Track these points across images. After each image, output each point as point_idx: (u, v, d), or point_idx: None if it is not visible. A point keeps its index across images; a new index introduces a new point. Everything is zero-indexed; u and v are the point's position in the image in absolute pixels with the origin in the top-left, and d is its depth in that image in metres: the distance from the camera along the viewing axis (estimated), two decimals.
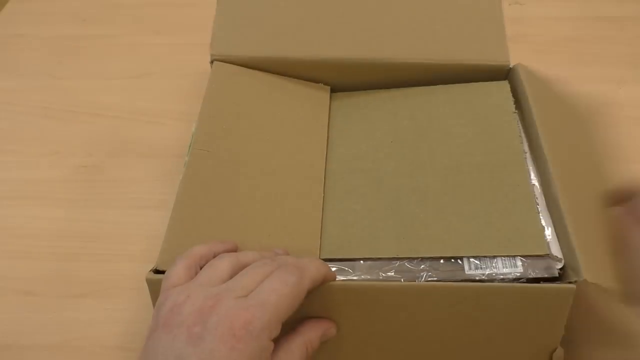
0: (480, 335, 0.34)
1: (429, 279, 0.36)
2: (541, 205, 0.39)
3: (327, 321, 0.34)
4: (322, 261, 0.34)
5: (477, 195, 0.40)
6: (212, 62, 0.48)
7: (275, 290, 0.29)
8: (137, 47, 0.70)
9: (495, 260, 0.36)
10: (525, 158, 0.42)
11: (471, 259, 0.36)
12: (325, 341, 0.33)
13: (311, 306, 0.33)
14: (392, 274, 0.36)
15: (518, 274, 0.35)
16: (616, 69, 0.65)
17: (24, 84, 0.67)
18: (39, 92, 0.65)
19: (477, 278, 0.36)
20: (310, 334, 0.32)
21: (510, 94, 0.46)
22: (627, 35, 0.70)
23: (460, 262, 0.36)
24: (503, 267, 0.36)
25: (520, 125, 0.44)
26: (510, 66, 0.48)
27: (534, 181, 0.40)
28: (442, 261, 0.37)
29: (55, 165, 0.57)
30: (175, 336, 0.27)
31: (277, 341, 0.29)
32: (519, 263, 0.36)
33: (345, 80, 0.50)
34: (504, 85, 0.47)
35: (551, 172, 0.39)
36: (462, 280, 0.35)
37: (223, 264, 0.31)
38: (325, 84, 0.51)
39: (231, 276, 0.31)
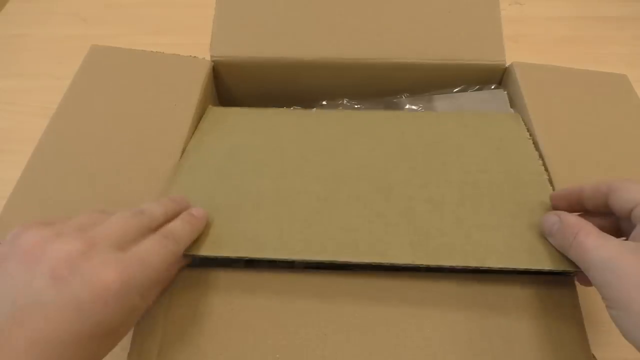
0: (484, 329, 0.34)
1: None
2: None
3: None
4: (194, 216, 0.34)
5: (499, 208, 0.36)
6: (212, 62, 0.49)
7: (155, 252, 0.28)
8: (137, 47, 0.70)
9: None
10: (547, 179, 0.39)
11: None
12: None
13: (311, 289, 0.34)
14: None
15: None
16: (616, 69, 0.65)
17: (24, 84, 0.67)
18: (39, 92, 0.65)
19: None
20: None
21: (523, 124, 0.43)
22: (627, 35, 0.70)
23: None
24: None
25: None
26: (506, 65, 0.48)
27: None
28: None
29: None
30: (34, 274, 0.24)
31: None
32: None
33: (345, 81, 0.50)
34: (516, 116, 0.45)
35: (547, 166, 0.39)
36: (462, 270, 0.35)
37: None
38: (325, 84, 0.51)
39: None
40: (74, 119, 0.43)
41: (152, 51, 0.49)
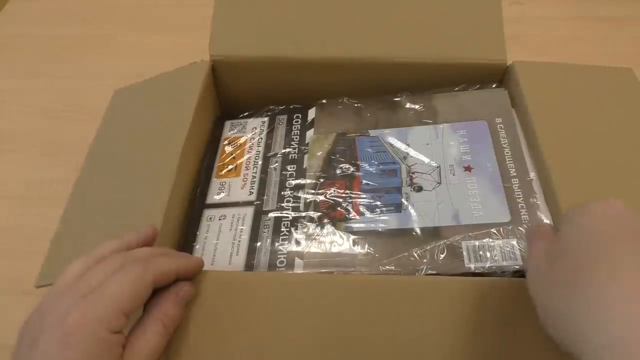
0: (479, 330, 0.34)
1: (429, 272, 0.36)
2: (540, 201, 0.39)
3: (175, 285, 0.32)
4: (180, 255, 0.34)
5: None
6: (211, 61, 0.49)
7: (115, 281, 0.28)
8: (137, 47, 0.70)
9: (494, 251, 0.36)
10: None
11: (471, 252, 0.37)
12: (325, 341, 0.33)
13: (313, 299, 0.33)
14: (392, 267, 0.36)
15: (517, 267, 0.35)
16: None
17: (24, 84, 0.67)
18: (39, 92, 0.65)
19: (476, 271, 0.36)
20: (161, 306, 0.31)
21: None
22: (626, 35, 0.70)
23: (460, 258, 0.37)
24: (502, 260, 0.36)
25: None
26: (508, 64, 0.48)
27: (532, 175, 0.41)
28: (442, 255, 0.37)
29: (55, 165, 0.57)
30: (19, 344, 0.28)
31: (132, 329, 0.29)
32: (518, 255, 0.36)
33: (345, 79, 0.50)
34: None
35: (548, 167, 0.39)
36: (461, 274, 0.36)
37: (73, 268, 0.30)
38: (325, 82, 0.50)
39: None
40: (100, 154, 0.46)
41: (158, 75, 0.50)
